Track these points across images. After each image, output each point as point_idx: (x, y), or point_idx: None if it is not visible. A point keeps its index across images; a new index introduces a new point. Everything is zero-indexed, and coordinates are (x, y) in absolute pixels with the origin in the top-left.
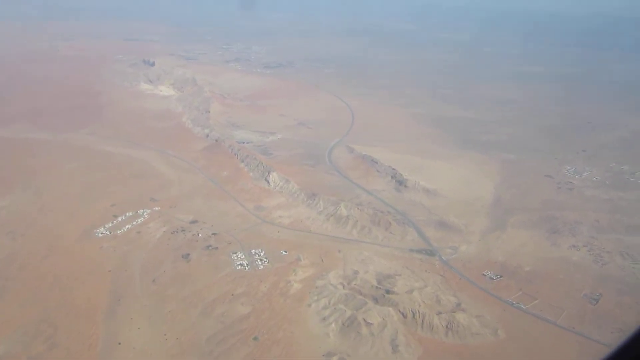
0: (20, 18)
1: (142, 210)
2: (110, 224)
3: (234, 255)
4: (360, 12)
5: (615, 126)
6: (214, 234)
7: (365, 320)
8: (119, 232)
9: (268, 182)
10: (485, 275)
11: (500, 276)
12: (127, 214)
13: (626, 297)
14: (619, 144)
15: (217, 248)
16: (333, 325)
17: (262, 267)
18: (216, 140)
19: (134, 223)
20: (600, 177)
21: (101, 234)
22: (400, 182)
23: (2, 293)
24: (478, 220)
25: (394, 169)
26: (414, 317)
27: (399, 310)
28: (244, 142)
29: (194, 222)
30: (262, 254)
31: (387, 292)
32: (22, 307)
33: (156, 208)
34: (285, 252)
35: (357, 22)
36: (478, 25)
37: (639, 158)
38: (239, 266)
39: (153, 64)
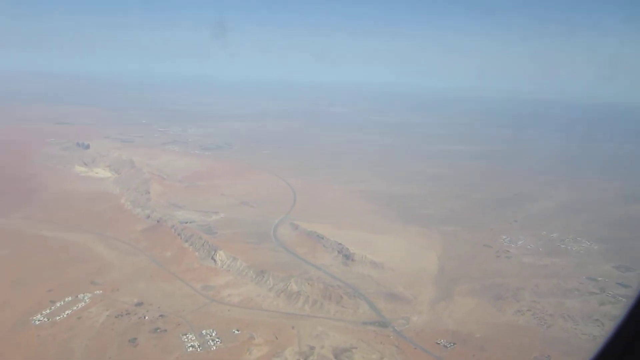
0: None
1: (82, 295)
2: (47, 311)
3: (184, 337)
4: (291, 97)
5: (540, 198)
6: (161, 315)
7: None
8: (57, 318)
9: (215, 260)
10: (438, 343)
11: (454, 344)
12: (66, 299)
13: (573, 357)
14: (546, 213)
15: (165, 330)
16: None
17: (214, 347)
18: (158, 221)
19: (74, 308)
20: (534, 245)
21: (38, 321)
22: (348, 257)
23: None
24: (426, 291)
25: (340, 243)
26: None
27: None
28: (186, 222)
29: (139, 304)
30: (213, 334)
31: None
32: None
33: (98, 292)
34: (238, 331)
35: (289, 106)
36: (406, 108)
37: (566, 226)
38: (190, 348)
39: (88, 147)
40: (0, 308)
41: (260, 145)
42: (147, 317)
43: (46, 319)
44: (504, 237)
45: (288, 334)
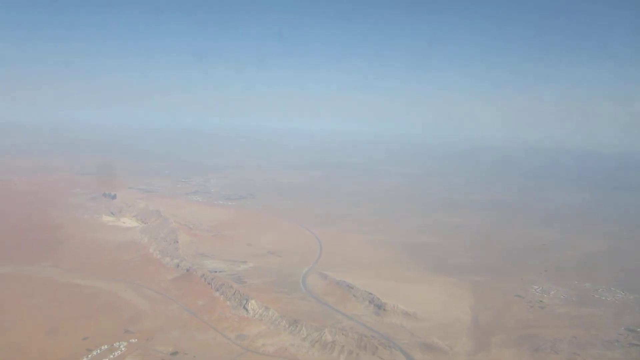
0: None
1: (117, 343)
2: (85, 359)
3: None
4: (305, 148)
5: (564, 247)
6: None
7: None
8: None
9: (247, 310)
10: None
11: None
12: (102, 347)
13: None
14: (573, 262)
15: None
16: None
17: None
18: (187, 270)
19: (111, 356)
20: (566, 295)
21: None
22: (379, 306)
23: None
24: (461, 341)
25: (370, 293)
26: None
27: None
28: (216, 271)
29: (174, 353)
30: None
31: None
32: None
33: (132, 340)
34: None
35: (304, 157)
36: (420, 158)
37: (597, 276)
38: None
39: (114, 197)
40: (38, 356)
41: (281, 196)
42: None
43: None
44: (535, 287)
45: None
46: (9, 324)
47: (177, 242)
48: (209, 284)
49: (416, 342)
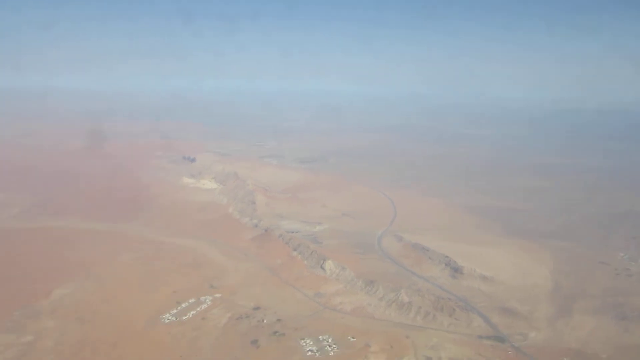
0: (66, 118)
1: (204, 297)
2: (175, 310)
3: (302, 341)
4: (379, 111)
5: None
6: (278, 320)
7: None
8: (184, 318)
9: (324, 269)
10: None
11: None
12: (190, 301)
13: None
14: None
15: (284, 334)
16: None
17: (332, 353)
18: (266, 230)
19: (198, 309)
20: None
21: (167, 320)
22: (456, 269)
23: None
24: (541, 307)
25: (446, 256)
26: None
27: None
28: (292, 232)
29: (256, 308)
30: (330, 340)
31: None
32: None
33: (217, 295)
34: (353, 338)
35: (375, 120)
36: (497, 121)
37: None
38: (309, 352)
39: (194, 160)
40: (132, 306)
41: (354, 159)
42: (265, 321)
43: (174, 318)
44: (621, 254)
45: (403, 343)
46: (106, 275)
47: (255, 203)
48: (286, 243)
49: (494, 305)
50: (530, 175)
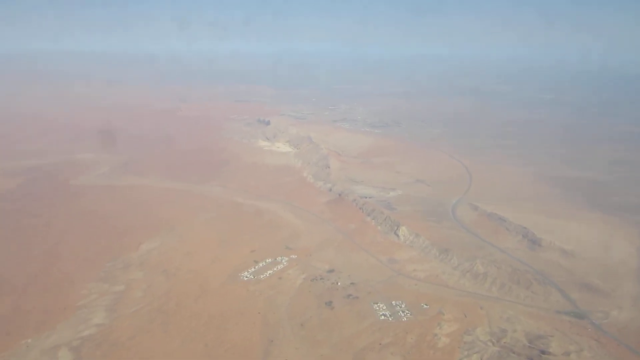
0: (145, 81)
1: (280, 258)
2: (252, 269)
3: (375, 305)
4: (453, 76)
5: None
6: (352, 283)
7: None
8: (262, 276)
9: (397, 235)
10: None
11: None
12: (267, 260)
13: None
14: None
15: (357, 297)
16: None
17: (405, 318)
18: (339, 195)
19: (275, 269)
20: None
21: (246, 277)
22: (534, 241)
23: (166, 327)
24: (626, 285)
25: (524, 227)
26: None
27: None
28: (365, 197)
29: (330, 271)
30: (403, 306)
31: (542, 352)
32: (185, 342)
33: (293, 256)
34: (426, 305)
35: (448, 84)
36: (578, 87)
37: None
38: (382, 316)
39: (268, 123)
40: (212, 263)
41: (428, 124)
42: (339, 284)
43: (252, 276)
44: None
45: (477, 313)
46: (187, 233)
47: (329, 167)
48: (360, 208)
49: (573, 280)
50: (616, 144)
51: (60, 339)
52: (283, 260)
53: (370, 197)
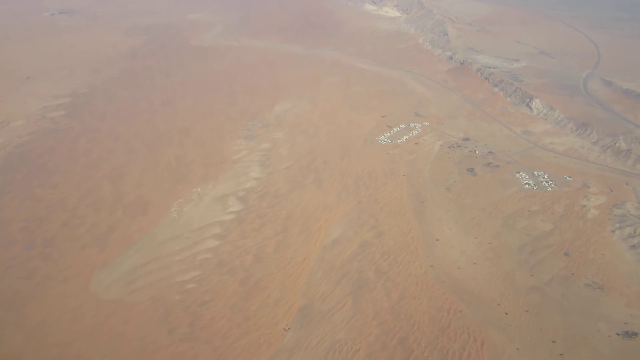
0: None
1: (413, 124)
2: (388, 134)
3: (518, 174)
4: None
5: None
6: (490, 152)
7: None
8: (399, 141)
9: (530, 108)
10: None
11: None
12: (401, 126)
13: None
14: None
15: (498, 166)
16: None
17: (549, 189)
18: (461, 63)
19: (410, 135)
20: None
21: (383, 141)
22: None
23: (320, 183)
24: None
25: None
26: None
27: None
28: (489, 67)
29: (466, 139)
30: (546, 177)
31: None
32: (341, 198)
33: (425, 123)
34: (570, 177)
35: None
36: None
37: None
38: (526, 185)
39: None
40: (347, 126)
41: None
42: (477, 152)
43: (389, 141)
44: None
45: (622, 189)
46: (315, 96)
47: (447, 34)
48: (485, 79)
49: None
50: None
51: (226, 189)
52: (417, 127)
53: (494, 68)
